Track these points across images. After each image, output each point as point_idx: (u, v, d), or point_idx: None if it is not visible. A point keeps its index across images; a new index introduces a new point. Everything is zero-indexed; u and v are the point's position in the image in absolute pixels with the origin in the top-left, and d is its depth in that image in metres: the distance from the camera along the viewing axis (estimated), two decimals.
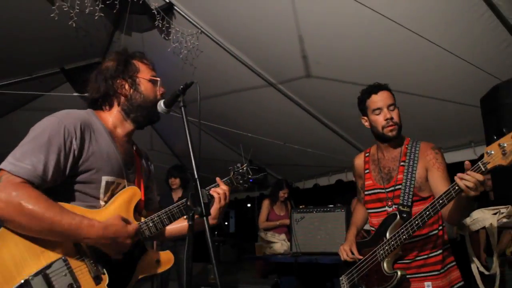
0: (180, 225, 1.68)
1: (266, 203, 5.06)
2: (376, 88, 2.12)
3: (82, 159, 1.37)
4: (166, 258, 1.56)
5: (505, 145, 1.50)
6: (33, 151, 1.26)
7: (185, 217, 1.41)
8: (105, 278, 1.35)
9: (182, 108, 1.34)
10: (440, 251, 2.03)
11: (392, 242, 1.93)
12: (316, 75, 4.13)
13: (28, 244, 1.22)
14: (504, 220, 1.71)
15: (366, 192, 2.23)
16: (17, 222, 1.19)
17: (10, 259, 1.18)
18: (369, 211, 2.25)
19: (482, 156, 1.61)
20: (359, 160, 2.36)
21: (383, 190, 2.13)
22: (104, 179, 1.43)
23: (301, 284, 3.89)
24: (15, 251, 1.20)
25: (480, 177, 1.59)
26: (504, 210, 1.71)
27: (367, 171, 2.25)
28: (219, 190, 1.65)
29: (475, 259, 1.76)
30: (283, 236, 4.46)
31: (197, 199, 1.15)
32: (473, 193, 1.62)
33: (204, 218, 1.11)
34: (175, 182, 4.94)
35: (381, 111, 2.06)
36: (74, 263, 1.29)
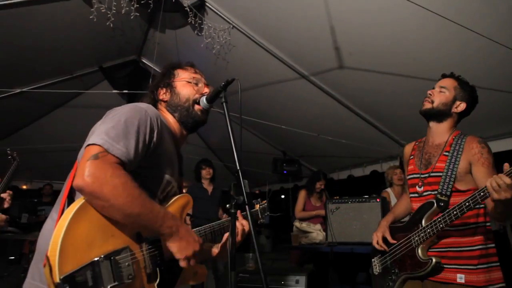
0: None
1: (302, 194, 5.10)
2: (443, 75, 2.28)
3: (155, 153, 1.38)
4: (202, 272, 1.58)
5: None
6: (125, 135, 1.26)
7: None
8: (158, 278, 1.33)
9: (224, 104, 1.39)
10: (478, 247, 2.00)
11: (428, 230, 1.98)
12: (349, 66, 4.10)
13: (103, 224, 1.20)
14: None
15: (408, 177, 2.28)
16: (111, 203, 1.16)
17: (85, 234, 1.14)
18: (410, 196, 2.27)
19: None
20: (408, 147, 2.41)
21: (419, 175, 2.18)
22: (166, 177, 1.45)
23: (336, 273, 3.93)
24: (90, 229, 1.16)
25: (507, 180, 1.61)
26: None
27: (412, 157, 2.30)
28: (239, 226, 1.61)
29: None
30: (318, 226, 4.49)
31: (239, 189, 1.21)
32: (496, 196, 1.65)
33: (246, 207, 1.17)
34: (209, 171, 5.04)
35: (430, 91, 2.21)
36: (136, 254, 1.27)
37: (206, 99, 1.52)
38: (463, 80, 2.21)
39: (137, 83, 5.36)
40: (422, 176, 2.15)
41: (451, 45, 3.39)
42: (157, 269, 1.34)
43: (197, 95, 1.59)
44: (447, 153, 2.08)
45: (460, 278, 1.96)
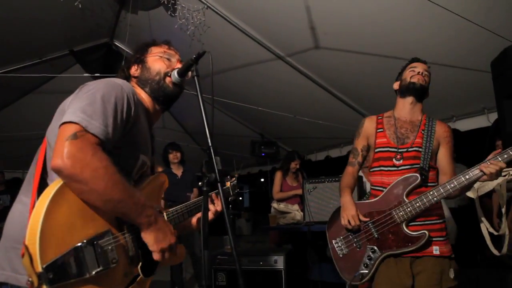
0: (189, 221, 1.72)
1: (278, 175, 5.12)
2: (418, 59, 2.34)
3: (131, 132, 1.33)
4: (181, 252, 1.56)
5: None
6: (103, 112, 1.19)
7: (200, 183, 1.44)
8: (140, 261, 1.31)
9: (196, 78, 1.36)
10: (443, 220, 2.15)
11: (418, 203, 1.97)
12: (325, 46, 4.09)
13: (82, 208, 1.13)
14: None
15: (378, 149, 2.23)
16: (91, 187, 1.10)
17: (65, 219, 1.08)
18: (376, 169, 2.24)
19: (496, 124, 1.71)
20: (370, 121, 2.37)
21: (397, 150, 2.17)
22: (142, 157, 1.40)
23: (314, 251, 3.99)
24: (69, 214, 1.10)
25: (503, 165, 1.75)
26: None
27: (381, 130, 2.27)
28: (212, 205, 1.65)
29: (484, 220, 1.80)
30: (296, 206, 4.54)
31: (211, 166, 1.19)
32: (488, 179, 1.78)
33: (218, 184, 1.15)
34: (177, 155, 4.98)
35: (415, 69, 2.24)
36: (118, 237, 1.22)
37: (177, 72, 1.47)
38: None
39: (110, 66, 5.21)
40: (401, 150, 2.16)
41: (427, 25, 3.41)
42: (139, 251, 1.30)
43: (168, 69, 1.53)
44: (423, 131, 2.17)
45: (436, 250, 2.03)
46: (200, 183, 1.25)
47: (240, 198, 16.68)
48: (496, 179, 1.75)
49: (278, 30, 4.20)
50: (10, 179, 7.25)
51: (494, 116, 4.02)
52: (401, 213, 2.00)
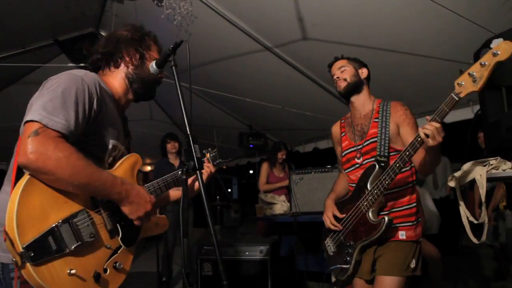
0: (178, 192, 1.83)
1: (265, 166, 5.12)
2: (331, 62, 2.40)
3: (97, 120, 1.40)
4: (163, 222, 1.69)
5: (474, 73, 1.68)
6: (64, 106, 1.26)
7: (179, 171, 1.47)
8: (119, 233, 1.43)
9: (173, 68, 1.37)
10: (413, 205, 2.19)
11: (375, 191, 2.02)
12: (313, 37, 4.09)
13: (53, 194, 1.24)
14: (493, 171, 1.76)
15: (344, 153, 2.35)
16: (57, 176, 1.20)
17: (38, 205, 1.20)
18: (346, 171, 2.35)
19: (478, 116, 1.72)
20: (336, 127, 2.49)
21: (355, 148, 2.27)
22: (112, 142, 1.48)
23: (300, 242, 4.03)
24: (43, 199, 1.21)
25: (437, 124, 1.79)
26: (493, 161, 1.76)
27: (343, 134, 2.39)
28: (206, 168, 1.80)
29: (464, 209, 1.83)
30: (283, 197, 4.56)
31: (190, 155, 1.21)
32: (431, 142, 1.77)
33: (198, 172, 1.16)
34: (175, 145, 4.96)
35: (334, 76, 2.33)
36: (93, 215, 1.34)
37: (156, 63, 1.49)
38: (347, 57, 2.40)
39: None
40: (359, 147, 2.25)
41: (414, 17, 3.43)
42: (118, 225, 1.43)
43: (159, 77, 1.61)
44: (376, 119, 2.22)
45: (402, 234, 2.12)
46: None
47: (229, 190, 16.70)
48: (434, 142, 1.77)
49: (266, 21, 4.19)
50: None
51: (478, 108, 4.08)
52: (365, 203, 2.08)
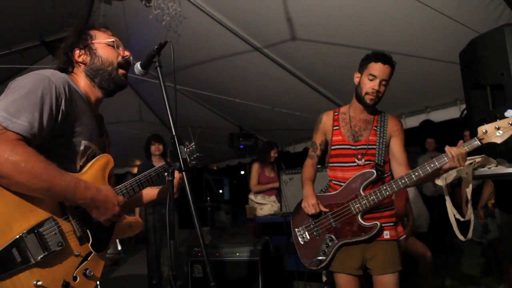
0: (151, 192, 1.79)
1: (255, 167, 5.09)
2: (384, 59, 2.19)
3: (66, 121, 1.34)
4: (137, 223, 1.64)
5: (501, 128, 1.76)
6: (27, 108, 1.21)
7: (165, 173, 1.44)
8: (89, 239, 1.38)
9: (158, 69, 1.35)
10: (393, 207, 2.32)
11: (372, 197, 2.12)
12: (302, 37, 4.10)
13: (18, 202, 1.19)
14: (480, 169, 1.79)
15: (333, 147, 2.35)
16: (16, 180, 1.15)
17: (1, 216, 1.15)
18: (334, 165, 2.35)
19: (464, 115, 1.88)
20: (327, 117, 2.44)
21: (353, 147, 2.28)
22: (83, 143, 1.43)
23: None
24: (5, 209, 1.16)
25: (464, 151, 1.85)
26: (479, 159, 1.79)
27: (336, 127, 2.37)
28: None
29: (451, 206, 1.85)
30: (273, 197, 4.56)
31: (175, 156, 1.19)
32: (452, 165, 1.86)
33: (183, 173, 1.15)
34: (159, 147, 4.91)
35: (374, 79, 2.18)
36: (61, 222, 1.29)
37: (141, 65, 1.46)
38: (394, 62, 2.25)
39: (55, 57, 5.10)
40: (359, 147, 2.27)
41: (402, 17, 3.47)
42: (87, 230, 1.38)
43: (120, 58, 1.53)
44: (376, 128, 2.28)
45: (386, 234, 2.22)
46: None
47: (221, 191, 16.69)
48: (462, 164, 1.84)
49: (254, 22, 4.19)
50: None
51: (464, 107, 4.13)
52: (357, 205, 2.16)
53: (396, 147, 2.27)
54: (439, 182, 1.91)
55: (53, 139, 1.31)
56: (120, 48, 1.56)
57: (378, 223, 2.13)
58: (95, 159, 1.48)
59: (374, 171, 2.17)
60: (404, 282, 2.33)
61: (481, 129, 1.79)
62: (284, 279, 4.11)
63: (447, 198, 1.90)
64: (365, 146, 2.25)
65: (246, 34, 4.37)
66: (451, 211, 1.84)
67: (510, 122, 1.72)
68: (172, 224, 1.16)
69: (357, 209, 2.16)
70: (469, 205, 1.83)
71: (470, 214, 1.83)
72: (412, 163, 2.32)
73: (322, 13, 3.71)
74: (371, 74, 2.18)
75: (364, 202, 2.14)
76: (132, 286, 4.77)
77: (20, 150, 1.15)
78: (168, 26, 4.27)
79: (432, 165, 1.92)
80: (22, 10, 4.37)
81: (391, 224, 2.25)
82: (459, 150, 1.84)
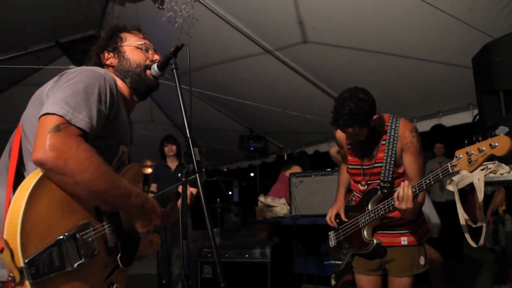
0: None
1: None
2: (337, 125, 2.13)
3: (113, 123, 1.30)
4: (157, 240, 1.58)
5: (472, 153, 1.65)
6: (86, 104, 1.15)
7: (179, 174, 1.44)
8: (119, 251, 1.31)
9: (174, 71, 1.35)
10: None
11: (372, 214, 2.18)
12: (313, 40, 4.11)
13: (61, 201, 1.11)
14: (491, 175, 1.77)
15: (349, 166, 2.41)
16: (76, 179, 1.08)
17: (44, 213, 1.06)
18: (353, 180, 2.46)
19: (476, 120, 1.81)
20: (341, 133, 2.38)
21: (360, 167, 2.32)
22: (121, 148, 1.39)
23: (300, 244, 4.03)
24: (49, 206, 1.07)
25: (409, 192, 1.91)
26: (491, 165, 1.77)
27: (349, 146, 2.39)
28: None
29: (462, 212, 1.84)
30: (283, 200, 4.56)
31: (190, 157, 1.20)
32: (397, 204, 1.96)
33: (197, 174, 1.16)
34: (172, 148, 4.97)
35: (348, 139, 2.34)
36: (98, 229, 1.22)
37: (157, 66, 1.46)
38: (358, 116, 2.05)
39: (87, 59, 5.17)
40: (365, 167, 2.29)
41: (414, 22, 3.45)
42: (118, 242, 1.30)
43: (148, 61, 1.51)
44: (384, 142, 2.22)
45: (404, 240, 2.26)
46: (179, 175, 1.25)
47: (230, 193, 16.69)
48: (402, 206, 1.92)
49: (266, 24, 4.21)
50: None
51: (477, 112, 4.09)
52: (362, 220, 2.24)
53: (406, 161, 2.18)
54: (450, 187, 1.89)
55: (96, 140, 1.23)
56: (150, 52, 1.55)
57: (374, 241, 2.18)
58: (128, 167, 1.46)
59: (378, 189, 2.21)
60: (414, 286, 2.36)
61: (456, 153, 1.71)
62: (293, 282, 4.11)
63: (459, 204, 1.88)
64: (371, 166, 2.26)
65: (258, 36, 4.39)
66: (463, 217, 1.83)
67: (480, 148, 1.60)
68: (185, 225, 1.16)
69: (362, 223, 2.24)
70: (481, 211, 1.81)
71: (482, 220, 1.81)
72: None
73: (334, 16, 3.71)
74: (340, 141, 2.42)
75: (367, 217, 2.20)
76: (142, 285, 4.80)
77: (85, 147, 1.10)
78: (181, 28, 4.31)
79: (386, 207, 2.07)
80: (38, 12, 4.45)
81: (408, 230, 2.26)
82: (406, 191, 1.89)
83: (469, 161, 1.66)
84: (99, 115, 1.19)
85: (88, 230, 1.16)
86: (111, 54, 1.52)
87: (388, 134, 2.20)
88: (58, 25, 4.98)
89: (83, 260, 1.11)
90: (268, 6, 3.90)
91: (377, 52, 3.92)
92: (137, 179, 1.48)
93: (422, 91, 4.41)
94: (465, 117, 4.40)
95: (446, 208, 5.83)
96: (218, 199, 5.17)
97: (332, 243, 2.49)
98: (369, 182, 2.30)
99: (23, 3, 4.16)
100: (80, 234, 1.12)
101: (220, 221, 5.84)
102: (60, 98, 1.13)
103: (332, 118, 2.12)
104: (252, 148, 6.81)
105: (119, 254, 1.30)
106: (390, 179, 2.19)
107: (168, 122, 7.55)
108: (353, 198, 2.50)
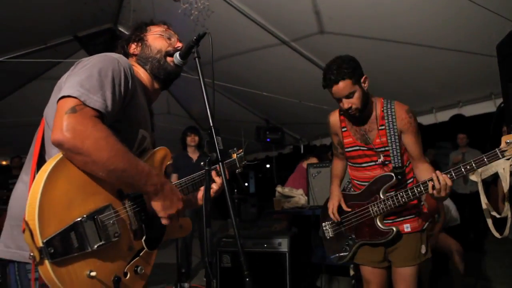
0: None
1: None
2: (330, 82, 2.11)
3: (129, 106, 1.32)
4: (187, 224, 1.59)
5: None
6: (101, 86, 1.18)
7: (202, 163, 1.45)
8: (143, 234, 1.32)
9: (197, 59, 1.36)
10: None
11: (389, 202, 2.12)
12: (330, 30, 4.05)
13: (80, 183, 1.14)
14: None
15: (347, 149, 2.32)
16: (94, 158, 1.10)
17: (63, 194, 1.08)
18: (352, 165, 2.36)
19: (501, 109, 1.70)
20: (334, 117, 2.40)
21: (365, 148, 2.25)
22: (141, 132, 1.41)
23: (318, 235, 4.02)
24: (68, 188, 1.10)
25: (448, 181, 1.87)
26: None
27: (345, 129, 2.33)
28: (217, 178, 1.60)
29: (486, 203, 1.80)
30: (300, 190, 4.56)
31: (212, 146, 1.21)
32: (436, 195, 1.91)
33: (220, 163, 1.17)
34: (194, 139, 5.00)
35: (341, 101, 2.13)
36: (119, 212, 1.23)
37: (180, 54, 1.48)
38: (346, 71, 2.08)
39: (114, 51, 5.23)
40: (372, 149, 2.23)
41: (432, 9, 3.36)
42: (142, 225, 1.32)
43: (170, 48, 1.54)
44: (383, 127, 2.18)
45: (407, 227, 2.23)
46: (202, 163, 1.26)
47: (246, 184, 16.74)
48: (440, 195, 1.89)
49: (282, 15, 4.17)
50: (22, 163, 7.35)
51: (501, 101, 3.99)
52: (375, 209, 2.17)
53: (407, 141, 2.18)
54: (474, 178, 1.86)
55: (115, 123, 1.26)
56: (173, 39, 1.59)
57: (394, 229, 2.13)
58: (154, 150, 1.47)
59: (393, 175, 2.15)
60: (436, 280, 2.34)
61: (505, 140, 1.70)
62: (311, 272, 4.12)
63: (482, 194, 1.85)
64: (378, 149, 2.21)
65: (274, 27, 4.35)
66: (487, 208, 1.79)
67: None
68: (208, 213, 1.18)
69: (375, 212, 2.18)
70: (506, 202, 1.77)
71: (507, 211, 1.78)
72: (443, 158, 2.29)
73: (351, 5, 3.65)
74: (336, 98, 2.16)
75: (381, 206, 2.14)
76: (162, 274, 4.88)
77: (101, 127, 1.12)
78: (196, 21, 4.31)
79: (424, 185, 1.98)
80: (57, 7, 4.51)
81: (412, 216, 2.24)
82: (442, 180, 1.87)
83: None
84: (113, 96, 1.21)
85: (109, 213, 1.18)
86: (135, 44, 1.58)
87: (386, 119, 2.17)
88: (76, 19, 5.04)
89: (103, 242, 1.13)
90: None
91: (395, 41, 3.84)
92: (166, 161, 1.49)
93: (441, 81, 4.31)
94: (487, 107, 4.30)
95: (469, 200, 5.75)
96: (235, 190, 5.20)
97: (329, 234, 2.41)
98: (386, 161, 2.21)
99: (43, 0, 4.22)
100: (100, 216, 1.14)
101: (237, 212, 5.88)
102: (76, 82, 1.16)
103: (323, 80, 2.15)
104: (268, 140, 6.80)
105: (144, 237, 1.32)
106: (401, 164, 2.15)
107: (185, 114, 7.60)
108: (350, 187, 2.43)
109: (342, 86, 2.06)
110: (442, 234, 3.73)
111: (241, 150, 1.97)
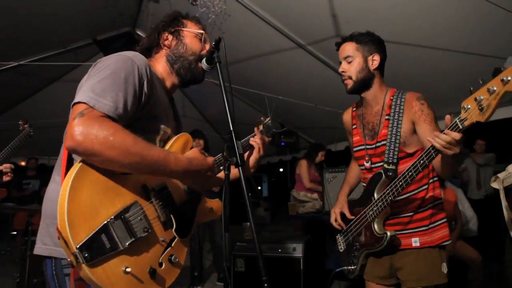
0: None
1: (304, 164, 5.08)
2: (341, 41, 2.07)
3: (148, 104, 1.33)
4: (217, 205, 1.60)
5: (482, 98, 1.38)
6: (112, 88, 1.20)
7: (221, 167, 1.46)
8: (173, 224, 1.36)
9: (218, 64, 1.37)
10: (428, 207, 2.00)
11: (380, 203, 1.90)
12: (346, 34, 4.01)
13: (104, 186, 1.17)
14: None
15: (354, 149, 2.18)
16: (106, 156, 1.11)
17: (88, 199, 1.12)
18: (360, 167, 2.20)
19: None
20: (347, 116, 2.29)
21: (364, 147, 2.09)
22: (162, 128, 1.41)
23: (333, 240, 3.99)
24: (93, 193, 1.14)
25: (456, 135, 1.52)
26: None
27: (355, 126, 2.19)
28: (258, 140, 1.69)
29: (507, 210, 1.75)
30: (315, 195, 4.53)
31: (232, 150, 1.21)
32: (451, 152, 1.56)
33: (239, 168, 1.17)
34: (199, 143, 5.01)
35: (340, 67, 2.05)
36: (146, 207, 1.27)
37: (206, 60, 1.49)
38: (358, 35, 2.03)
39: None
40: (368, 147, 2.06)
41: (452, 12, 3.32)
42: (171, 215, 1.36)
43: (204, 52, 1.54)
44: (388, 117, 1.98)
45: (415, 242, 1.94)
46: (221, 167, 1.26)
47: (259, 188, 16.74)
48: (453, 152, 1.56)
49: (299, 18, 4.16)
50: (42, 163, 7.55)
51: None
52: (370, 212, 1.95)
53: (421, 132, 1.88)
54: (495, 185, 1.80)
55: (135, 122, 1.28)
56: (207, 44, 1.58)
57: (388, 233, 1.88)
58: (175, 137, 1.48)
59: (382, 173, 1.94)
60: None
61: (463, 105, 1.45)
62: (325, 278, 4.08)
63: (504, 201, 1.80)
64: (373, 146, 2.02)
65: (290, 31, 4.35)
66: (508, 214, 1.74)
67: (490, 88, 1.32)
68: (227, 217, 1.17)
69: (371, 216, 1.95)
70: None
71: None
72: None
73: (369, 9, 3.62)
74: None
75: (375, 208, 1.92)
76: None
77: (107, 125, 1.13)
78: (213, 24, 4.34)
79: (428, 154, 1.66)
80: (77, 12, 4.60)
81: (423, 228, 1.96)
82: (448, 136, 1.54)
83: (481, 109, 1.40)
84: (125, 98, 1.22)
85: (136, 210, 1.22)
86: (171, 36, 1.55)
87: (392, 108, 1.96)
88: (95, 23, 5.14)
89: (133, 239, 1.18)
90: (301, 0, 3.85)
91: (413, 45, 3.80)
92: (187, 148, 1.50)
93: (459, 84, 4.23)
94: (508, 112, 4.20)
95: (484, 205, 5.62)
96: (249, 194, 5.19)
97: (341, 246, 2.19)
98: (372, 166, 2.03)
99: (62, 3, 4.30)
100: (127, 214, 1.18)
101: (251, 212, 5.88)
102: (88, 87, 1.19)
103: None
104: (283, 144, 6.78)
105: (174, 227, 1.36)
106: (395, 160, 1.91)
107: (200, 117, 7.64)
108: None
109: (345, 46, 2.03)
110: (460, 242, 3.66)
111: (268, 119, 1.88)
